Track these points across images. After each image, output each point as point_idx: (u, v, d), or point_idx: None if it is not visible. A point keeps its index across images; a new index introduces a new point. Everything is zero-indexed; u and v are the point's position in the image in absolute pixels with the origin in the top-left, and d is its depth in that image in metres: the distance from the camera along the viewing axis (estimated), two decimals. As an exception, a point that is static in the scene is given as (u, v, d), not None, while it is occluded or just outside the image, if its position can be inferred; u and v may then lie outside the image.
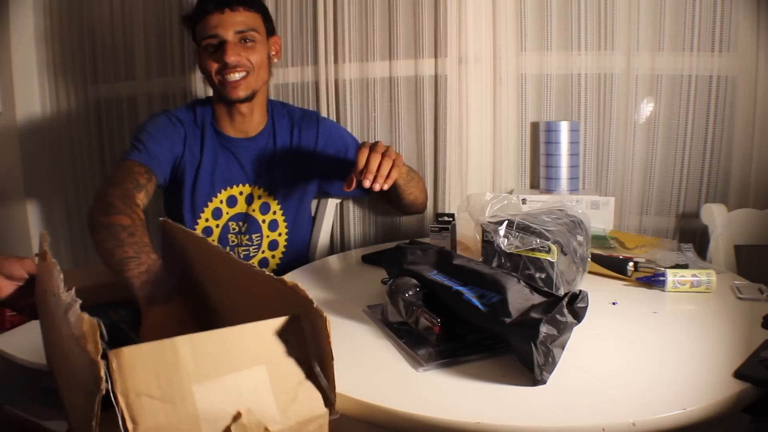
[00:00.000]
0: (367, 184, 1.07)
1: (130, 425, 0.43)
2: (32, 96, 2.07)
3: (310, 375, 0.54)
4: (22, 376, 1.40)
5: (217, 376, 0.48)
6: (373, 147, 1.11)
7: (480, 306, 0.75)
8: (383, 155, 1.09)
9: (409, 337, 0.80)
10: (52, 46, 2.03)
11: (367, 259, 1.26)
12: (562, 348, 0.69)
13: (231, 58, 1.23)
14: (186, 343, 0.48)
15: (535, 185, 1.63)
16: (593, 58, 1.52)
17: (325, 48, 1.67)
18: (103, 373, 0.42)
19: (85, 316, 0.44)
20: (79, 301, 0.48)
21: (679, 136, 1.50)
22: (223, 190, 1.35)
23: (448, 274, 0.86)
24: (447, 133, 1.61)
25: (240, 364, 0.50)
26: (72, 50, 1.99)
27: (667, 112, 1.51)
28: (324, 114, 1.70)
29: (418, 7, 1.59)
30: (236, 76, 1.26)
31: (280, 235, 1.40)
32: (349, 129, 1.69)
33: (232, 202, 1.36)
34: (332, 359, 0.53)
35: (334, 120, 1.71)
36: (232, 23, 1.24)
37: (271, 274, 0.60)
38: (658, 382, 0.68)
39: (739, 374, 0.68)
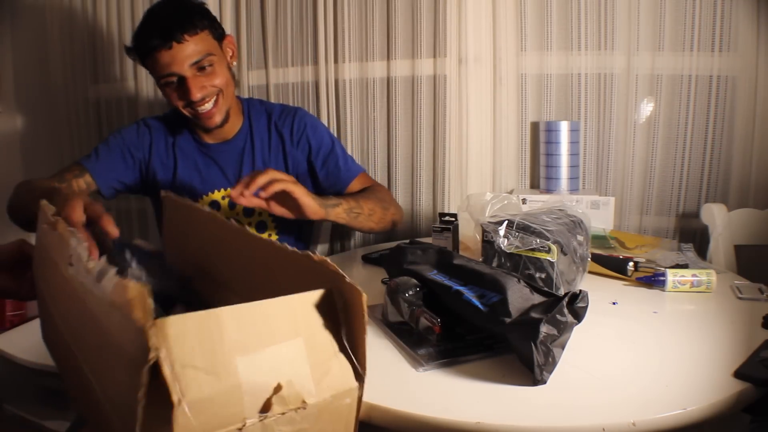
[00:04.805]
0: (233, 194, 1.01)
1: (176, 397, 0.42)
2: (32, 96, 2.07)
3: (342, 348, 0.53)
4: (22, 376, 1.40)
5: (259, 348, 0.48)
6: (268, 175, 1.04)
7: (480, 306, 0.75)
8: (274, 181, 1.03)
9: (409, 337, 0.80)
10: (52, 46, 2.02)
11: (367, 259, 1.26)
12: (562, 348, 0.69)
13: (197, 95, 1.17)
14: (230, 314, 0.46)
15: (535, 185, 1.63)
16: (593, 58, 1.52)
17: (325, 48, 1.67)
18: (152, 342, 0.40)
19: (130, 282, 0.42)
20: (115, 267, 0.47)
21: (679, 136, 1.50)
22: (204, 196, 1.33)
23: (448, 274, 0.86)
24: (447, 133, 1.61)
25: (280, 336, 0.49)
26: (72, 50, 1.99)
27: (667, 112, 1.51)
28: (324, 114, 1.70)
29: (418, 7, 1.59)
30: (207, 106, 1.21)
31: (270, 235, 1.39)
32: (348, 129, 1.69)
33: (215, 207, 1.34)
34: (365, 333, 0.52)
35: (335, 120, 1.71)
36: (185, 57, 1.15)
37: (294, 248, 0.59)
38: (658, 382, 0.68)
39: (739, 374, 0.68)
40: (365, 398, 0.65)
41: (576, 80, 1.54)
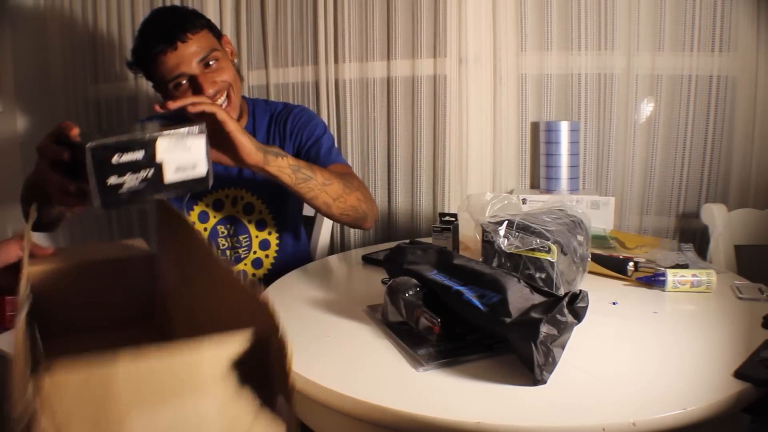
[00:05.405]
0: (157, 108, 0.95)
1: None
2: (32, 96, 2.07)
3: (271, 405, 0.46)
4: (22, 377, 1.40)
5: (157, 405, 0.42)
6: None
7: (480, 306, 0.75)
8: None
9: (409, 337, 0.80)
10: (52, 45, 2.03)
11: (367, 259, 1.26)
12: (563, 348, 0.69)
13: (209, 91, 1.17)
14: (123, 368, 0.41)
15: (535, 185, 1.63)
16: (593, 58, 1.52)
17: (325, 48, 1.67)
18: (25, 400, 0.36)
19: (20, 331, 0.39)
20: (26, 307, 0.44)
21: (679, 136, 1.50)
22: (208, 194, 1.34)
23: (448, 274, 0.86)
24: (447, 133, 1.61)
25: (186, 392, 0.43)
26: (72, 50, 1.99)
27: (667, 112, 1.51)
28: (324, 114, 1.71)
29: (418, 7, 1.59)
30: (220, 103, 1.20)
31: (270, 234, 1.38)
32: (348, 129, 1.69)
33: (218, 205, 1.34)
34: (293, 389, 0.45)
35: (335, 120, 1.71)
36: (191, 55, 1.15)
37: (252, 280, 0.55)
38: (658, 382, 0.68)
39: (739, 374, 0.68)
40: (366, 399, 0.66)
41: (576, 80, 1.54)
